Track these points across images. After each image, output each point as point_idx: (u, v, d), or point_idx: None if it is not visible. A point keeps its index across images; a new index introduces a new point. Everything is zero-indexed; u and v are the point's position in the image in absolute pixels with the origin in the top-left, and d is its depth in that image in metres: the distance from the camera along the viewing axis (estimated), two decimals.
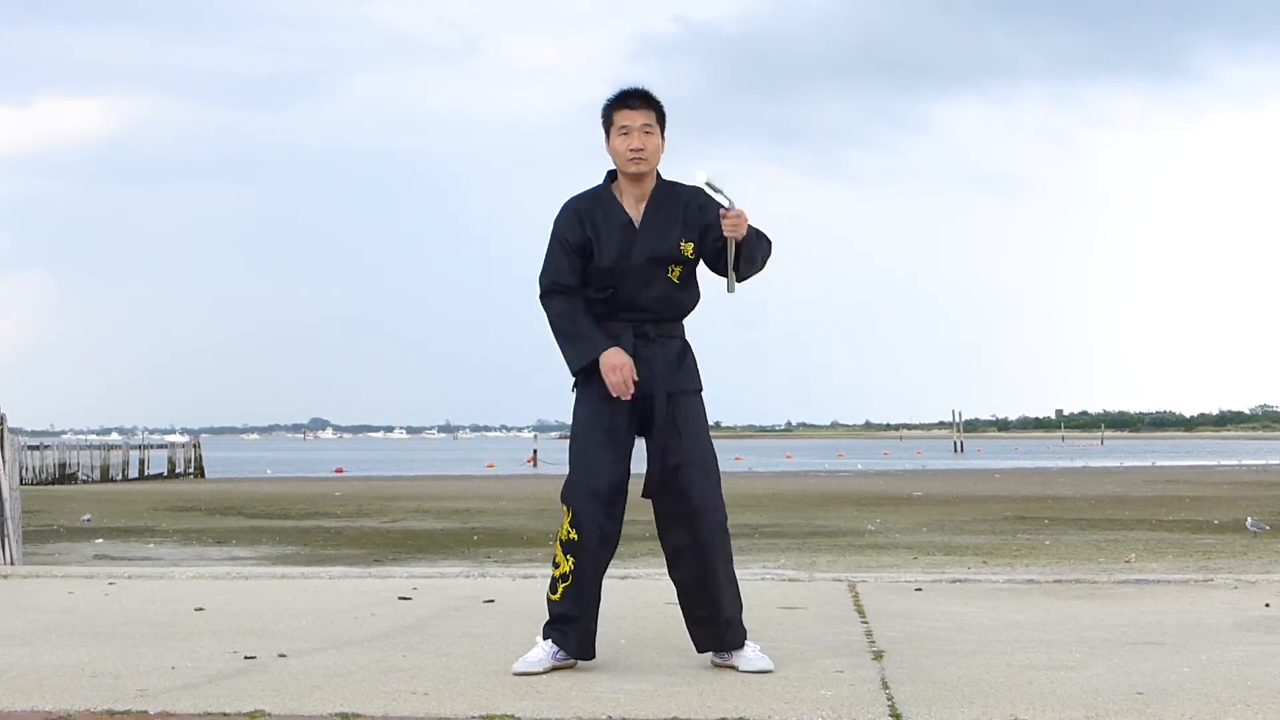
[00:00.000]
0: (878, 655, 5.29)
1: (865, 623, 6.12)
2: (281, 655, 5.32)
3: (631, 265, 5.04)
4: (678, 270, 5.08)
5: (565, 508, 5.02)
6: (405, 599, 6.92)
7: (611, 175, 5.16)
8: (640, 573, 7.87)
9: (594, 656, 5.05)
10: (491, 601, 6.84)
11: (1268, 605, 6.54)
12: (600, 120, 5.14)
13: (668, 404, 5.03)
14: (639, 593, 7.06)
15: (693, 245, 5.09)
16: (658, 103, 5.11)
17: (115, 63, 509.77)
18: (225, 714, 4.30)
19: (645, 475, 5.08)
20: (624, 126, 5.05)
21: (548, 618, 5.05)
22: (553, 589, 5.05)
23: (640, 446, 5.12)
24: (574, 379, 5.13)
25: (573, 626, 5.00)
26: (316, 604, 6.77)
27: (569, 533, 4.99)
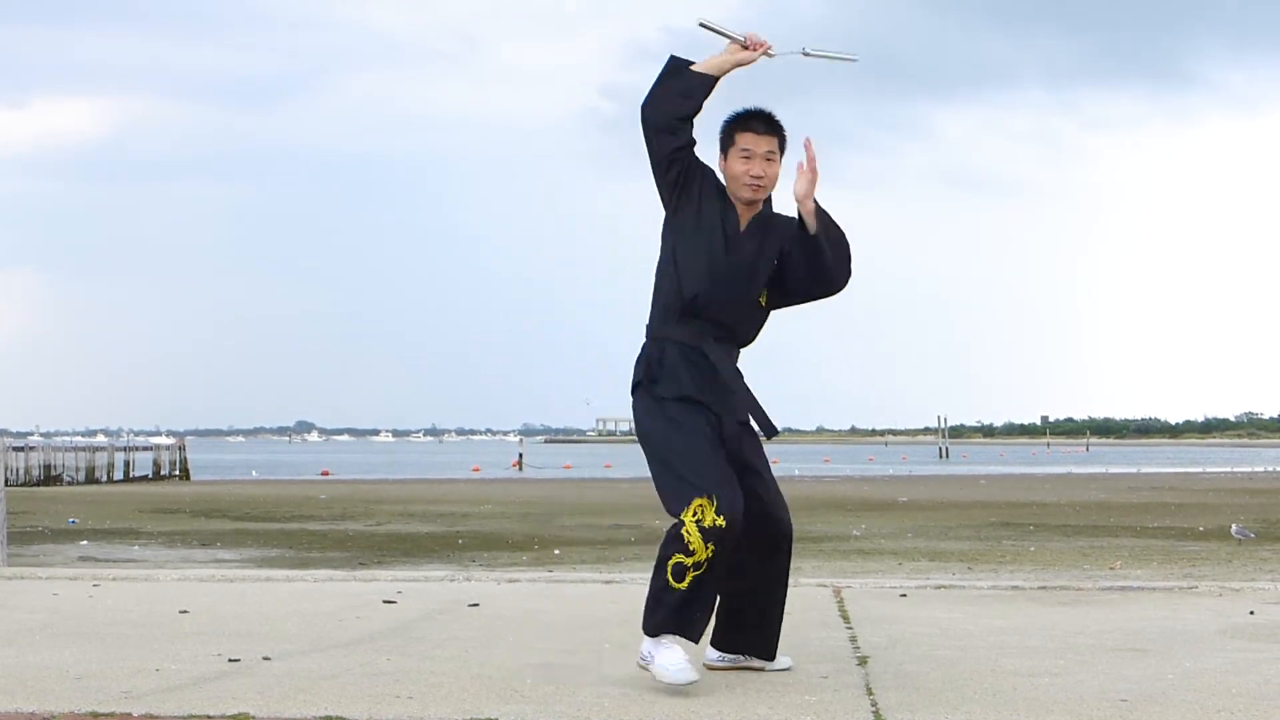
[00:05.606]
0: (862, 661, 5.30)
1: (850, 628, 6.13)
2: (266, 658, 5.31)
3: (725, 268, 4.82)
4: (764, 295, 4.92)
5: (697, 499, 4.65)
6: (390, 602, 6.92)
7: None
8: (624, 577, 7.87)
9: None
10: (476, 605, 6.83)
11: (1252, 613, 6.56)
12: (719, 134, 4.91)
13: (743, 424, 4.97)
14: (624, 597, 7.06)
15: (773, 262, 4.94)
16: (781, 129, 4.90)
17: (110, 63, 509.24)
18: (209, 716, 4.30)
19: None
20: (746, 150, 4.83)
21: (666, 610, 4.68)
22: (678, 577, 4.66)
23: None
24: (635, 382, 4.91)
25: (704, 613, 4.75)
26: (301, 607, 6.76)
27: (715, 520, 4.62)
